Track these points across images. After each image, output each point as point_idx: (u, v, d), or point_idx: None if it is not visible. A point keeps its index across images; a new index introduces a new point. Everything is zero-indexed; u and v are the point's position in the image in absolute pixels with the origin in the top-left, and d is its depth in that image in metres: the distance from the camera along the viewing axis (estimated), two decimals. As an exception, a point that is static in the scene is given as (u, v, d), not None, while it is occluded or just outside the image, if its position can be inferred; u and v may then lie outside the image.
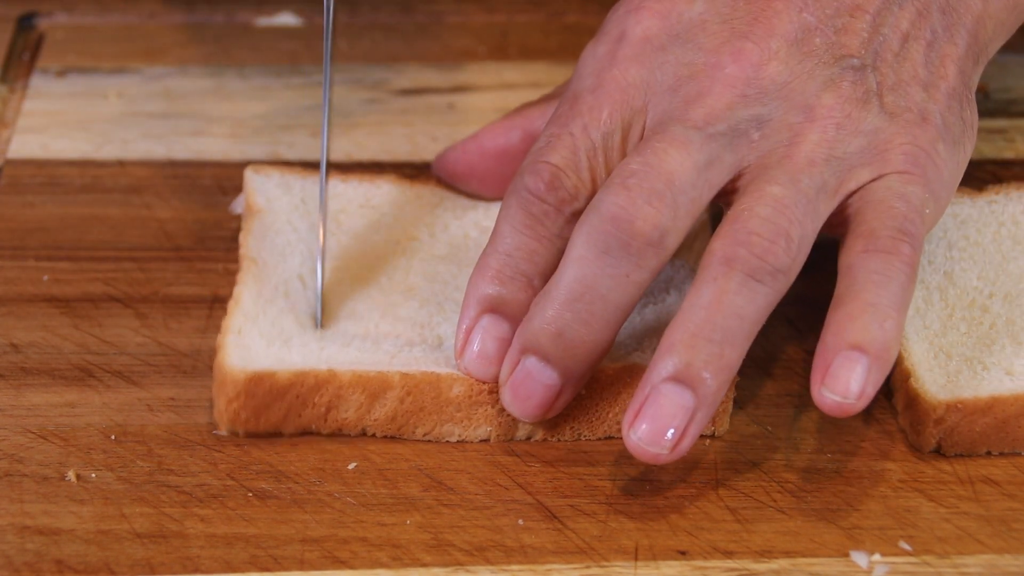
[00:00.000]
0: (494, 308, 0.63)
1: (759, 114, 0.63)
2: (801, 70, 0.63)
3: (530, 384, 0.61)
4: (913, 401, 0.64)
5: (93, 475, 0.61)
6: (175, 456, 0.62)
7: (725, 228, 0.61)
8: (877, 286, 0.60)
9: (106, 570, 0.57)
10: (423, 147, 0.81)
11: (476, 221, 0.73)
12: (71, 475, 0.61)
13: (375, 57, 0.88)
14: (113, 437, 0.63)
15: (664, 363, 0.59)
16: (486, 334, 0.63)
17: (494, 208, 0.73)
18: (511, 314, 0.63)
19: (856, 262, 0.61)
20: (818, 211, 0.62)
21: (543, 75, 0.86)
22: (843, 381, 0.58)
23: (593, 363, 0.62)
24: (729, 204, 0.62)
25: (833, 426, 0.65)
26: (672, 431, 0.58)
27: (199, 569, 0.58)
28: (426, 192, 0.74)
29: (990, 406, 0.63)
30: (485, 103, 0.84)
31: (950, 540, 0.60)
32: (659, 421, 0.58)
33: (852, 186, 0.63)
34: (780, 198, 0.61)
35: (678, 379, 0.58)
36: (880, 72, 0.64)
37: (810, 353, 0.67)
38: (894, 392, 0.66)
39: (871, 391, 0.59)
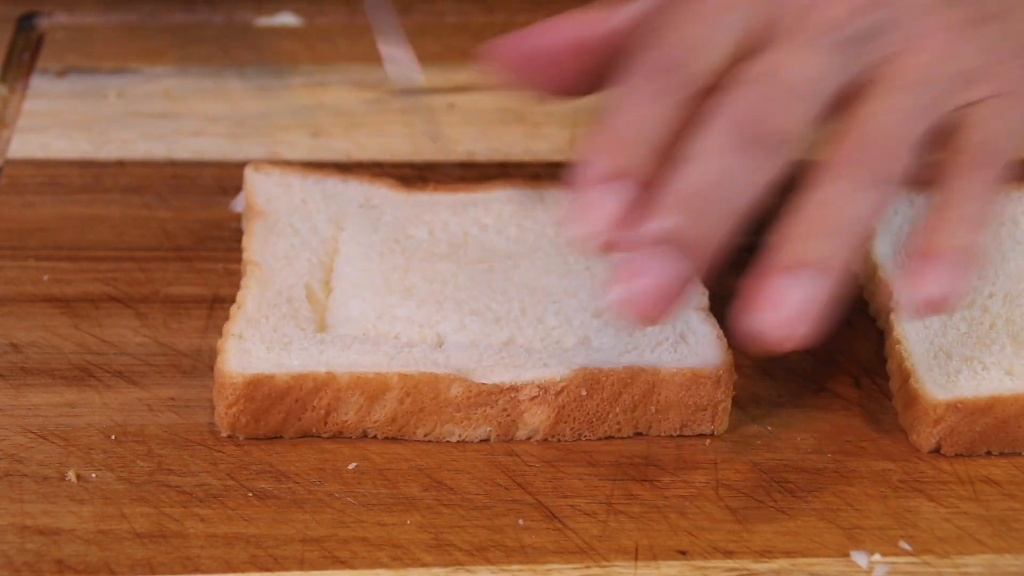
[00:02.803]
0: (615, 175, 0.61)
1: (878, 22, 0.63)
2: None
3: (665, 277, 0.59)
4: (913, 401, 0.64)
5: (93, 475, 0.61)
6: (175, 456, 0.62)
7: (844, 134, 0.61)
8: (962, 203, 0.61)
9: (106, 570, 0.57)
10: (423, 147, 0.81)
11: (476, 219, 0.73)
12: (71, 475, 0.61)
13: (375, 57, 0.88)
14: (113, 437, 0.63)
15: (781, 255, 0.59)
16: (607, 201, 0.60)
17: (494, 206, 0.73)
18: (632, 182, 0.61)
19: (948, 177, 0.62)
20: (928, 123, 0.62)
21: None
22: (935, 284, 0.60)
23: (710, 261, 0.61)
24: (844, 112, 0.63)
25: (833, 426, 0.65)
26: (797, 315, 0.58)
27: (199, 569, 0.58)
28: (425, 192, 0.74)
29: (990, 406, 0.63)
30: (485, 103, 0.84)
31: (950, 540, 0.60)
32: (778, 308, 0.58)
33: (961, 101, 0.63)
34: (897, 108, 0.61)
35: (796, 268, 0.59)
36: None
37: (810, 354, 0.68)
38: (894, 392, 0.66)
39: (961, 293, 0.60)
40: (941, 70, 0.63)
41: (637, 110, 0.62)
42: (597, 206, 0.60)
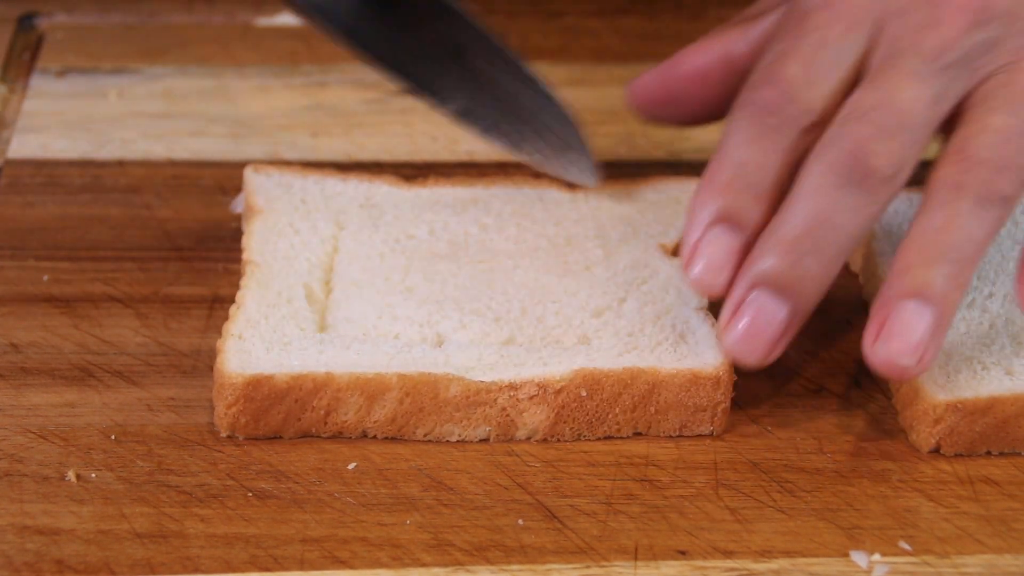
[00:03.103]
0: (724, 219, 0.62)
1: (987, 39, 0.63)
2: None
3: (761, 319, 0.60)
4: (913, 401, 0.64)
5: (93, 475, 0.61)
6: (175, 456, 0.62)
7: (951, 156, 0.61)
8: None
9: (106, 570, 0.57)
10: (423, 147, 0.81)
11: (476, 218, 0.73)
12: (71, 475, 0.61)
13: (375, 57, 0.88)
14: (113, 437, 0.63)
15: (901, 282, 0.60)
16: (716, 245, 0.61)
17: (494, 206, 0.73)
18: (741, 225, 0.62)
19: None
20: None
21: (543, 75, 0.86)
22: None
23: (818, 299, 0.61)
24: (949, 131, 0.62)
25: (833, 426, 0.65)
26: (917, 345, 0.59)
27: (199, 569, 0.58)
28: (425, 191, 0.74)
29: (990, 406, 0.63)
30: (485, 103, 0.84)
31: (950, 540, 0.60)
32: (905, 336, 0.59)
33: None
34: (1003, 128, 0.61)
35: (917, 296, 0.59)
36: None
37: (810, 353, 0.68)
38: (894, 392, 0.66)
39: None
40: None
41: (745, 151, 0.62)
42: (705, 252, 0.61)
